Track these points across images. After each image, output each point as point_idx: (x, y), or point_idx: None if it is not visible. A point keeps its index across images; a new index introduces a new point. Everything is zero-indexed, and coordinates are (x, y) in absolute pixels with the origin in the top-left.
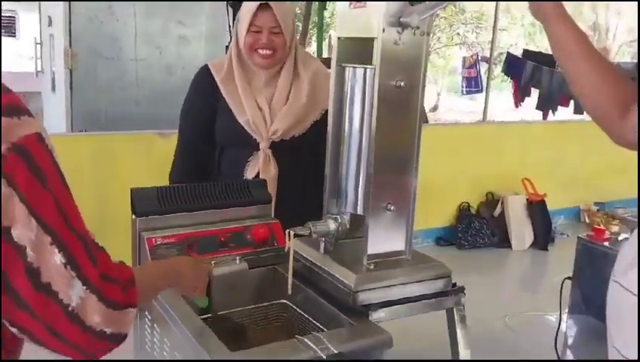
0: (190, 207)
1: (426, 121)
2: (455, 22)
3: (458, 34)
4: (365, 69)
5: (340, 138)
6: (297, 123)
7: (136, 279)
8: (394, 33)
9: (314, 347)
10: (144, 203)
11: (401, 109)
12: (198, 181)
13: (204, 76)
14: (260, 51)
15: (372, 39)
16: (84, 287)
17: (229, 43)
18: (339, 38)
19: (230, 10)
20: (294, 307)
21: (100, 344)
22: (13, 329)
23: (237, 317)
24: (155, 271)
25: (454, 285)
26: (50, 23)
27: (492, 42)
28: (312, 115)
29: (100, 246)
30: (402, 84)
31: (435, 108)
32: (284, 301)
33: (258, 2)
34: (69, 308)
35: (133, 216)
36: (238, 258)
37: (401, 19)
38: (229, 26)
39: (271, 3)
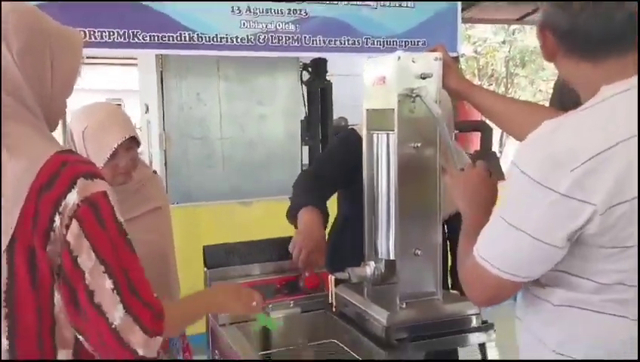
0: (252, 259)
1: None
2: (536, 79)
3: (540, 90)
4: (388, 134)
5: (374, 194)
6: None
7: (171, 311)
8: (408, 103)
9: None
10: (213, 257)
11: (420, 166)
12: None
13: (352, 135)
14: None
15: (391, 110)
16: (124, 311)
17: (304, 118)
18: (367, 110)
19: (304, 87)
20: (341, 345)
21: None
22: (80, 337)
23: (292, 355)
24: (193, 301)
25: (485, 322)
26: (147, 110)
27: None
28: None
29: (146, 281)
30: (419, 145)
31: None
32: (333, 340)
33: None
34: (113, 326)
35: (205, 269)
36: (292, 302)
37: (414, 93)
38: (304, 104)
39: None
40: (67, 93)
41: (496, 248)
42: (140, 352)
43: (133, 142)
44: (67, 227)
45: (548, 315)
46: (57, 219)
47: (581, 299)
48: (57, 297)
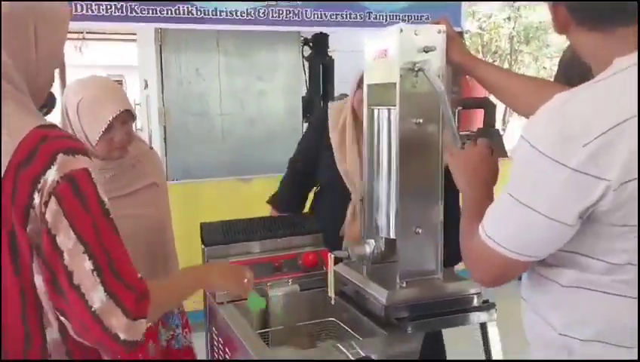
0: (249, 237)
1: (506, 156)
2: (540, 56)
3: (544, 67)
4: (389, 109)
5: (374, 171)
6: None
7: (156, 291)
8: (411, 78)
9: (345, 351)
10: (211, 234)
11: (421, 143)
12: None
13: (322, 116)
14: None
15: (393, 84)
16: (105, 293)
17: (305, 94)
18: (368, 85)
19: (306, 63)
20: (340, 323)
21: (117, 346)
22: (63, 319)
23: (291, 332)
24: (181, 280)
25: (486, 301)
26: (146, 86)
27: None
28: None
29: (130, 262)
30: (421, 121)
31: None
32: (332, 318)
33: None
34: (92, 309)
35: (203, 246)
36: (290, 281)
37: (417, 66)
38: (305, 79)
39: None
40: (53, 66)
41: (503, 227)
42: (122, 336)
43: (128, 115)
44: (46, 204)
45: (555, 296)
46: (36, 196)
47: (590, 280)
48: (38, 278)
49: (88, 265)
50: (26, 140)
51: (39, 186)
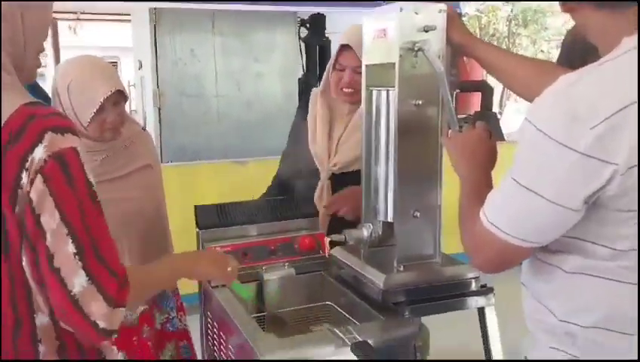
0: (245, 220)
1: (502, 139)
2: (538, 39)
3: (542, 51)
4: (388, 90)
5: (372, 154)
6: (357, 159)
7: (136, 277)
8: (411, 58)
9: (342, 336)
10: (205, 217)
11: (421, 125)
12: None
13: (307, 103)
14: (344, 90)
15: (392, 64)
16: (87, 277)
17: (302, 77)
18: (366, 66)
19: (302, 45)
20: (337, 307)
21: (94, 334)
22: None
23: (286, 317)
24: (162, 268)
25: (484, 286)
26: (140, 67)
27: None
28: None
29: (114, 248)
30: (420, 102)
31: None
32: (328, 302)
33: (342, 43)
34: (72, 293)
35: (197, 229)
36: (286, 264)
37: (417, 46)
38: (302, 61)
39: (352, 43)
40: (39, 44)
41: (506, 212)
42: (102, 325)
43: (120, 96)
44: (32, 183)
45: (558, 283)
46: (24, 176)
47: (594, 266)
48: (25, 264)
49: (71, 248)
50: (13, 118)
51: (27, 165)
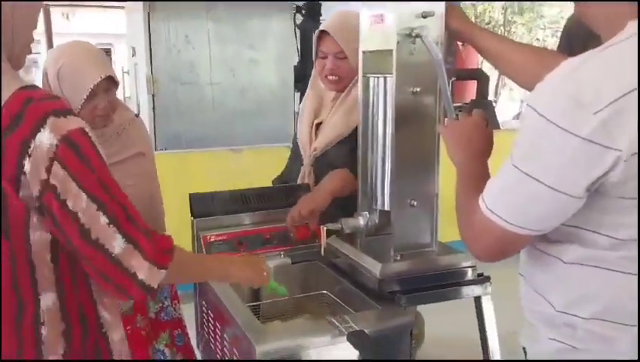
0: (240, 209)
1: (498, 127)
2: (534, 27)
3: (538, 39)
4: (385, 77)
5: (368, 142)
6: (333, 139)
7: (183, 255)
8: (408, 44)
9: (339, 325)
10: (200, 206)
11: (418, 113)
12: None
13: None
14: (328, 77)
15: (390, 51)
16: (124, 240)
17: (297, 63)
18: (363, 52)
19: (298, 32)
20: (333, 296)
21: (135, 288)
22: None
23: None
24: (207, 260)
25: (481, 275)
26: (134, 54)
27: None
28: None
29: (139, 213)
30: (418, 90)
31: (519, 116)
32: (324, 291)
33: (320, 29)
34: (113, 255)
35: (192, 218)
36: (282, 253)
37: (414, 32)
38: (297, 48)
39: (329, 29)
40: (30, 31)
41: (507, 200)
42: (140, 276)
43: (111, 82)
44: (48, 170)
45: (557, 273)
46: (27, 162)
47: (595, 257)
48: (33, 239)
49: (104, 219)
50: (11, 102)
51: (30, 151)
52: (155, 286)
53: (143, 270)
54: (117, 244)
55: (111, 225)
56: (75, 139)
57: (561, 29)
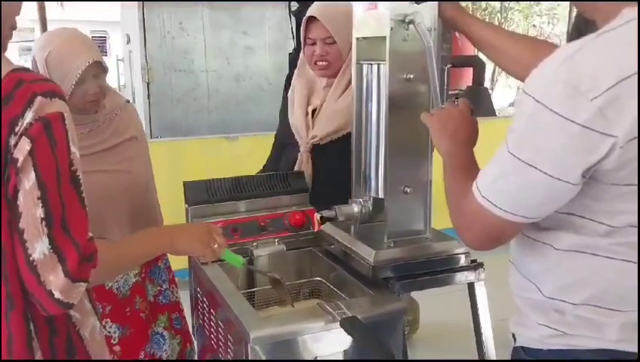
0: (234, 196)
1: (494, 114)
2: (530, 14)
3: (534, 26)
4: (378, 64)
5: (362, 129)
6: (336, 131)
7: (107, 254)
8: (402, 31)
9: (332, 311)
10: (195, 194)
11: (412, 100)
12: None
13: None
14: (318, 63)
15: (383, 37)
16: (49, 246)
17: (292, 51)
18: (357, 39)
19: (293, 19)
20: (327, 283)
21: (49, 303)
22: None
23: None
24: (140, 243)
25: (474, 261)
26: (128, 41)
27: (568, 33)
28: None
29: (85, 222)
30: (412, 76)
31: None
32: (319, 278)
33: (308, 15)
34: (30, 258)
35: (186, 205)
36: (277, 240)
37: (408, 18)
38: (293, 35)
39: (318, 15)
40: (13, 15)
41: (502, 187)
42: (56, 295)
43: (100, 68)
44: (16, 145)
45: (548, 260)
46: (12, 139)
47: (587, 244)
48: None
49: (40, 212)
50: (3, 83)
51: (16, 129)
52: (75, 301)
53: (59, 288)
54: (39, 248)
55: (43, 222)
56: (51, 120)
57: (557, 16)
